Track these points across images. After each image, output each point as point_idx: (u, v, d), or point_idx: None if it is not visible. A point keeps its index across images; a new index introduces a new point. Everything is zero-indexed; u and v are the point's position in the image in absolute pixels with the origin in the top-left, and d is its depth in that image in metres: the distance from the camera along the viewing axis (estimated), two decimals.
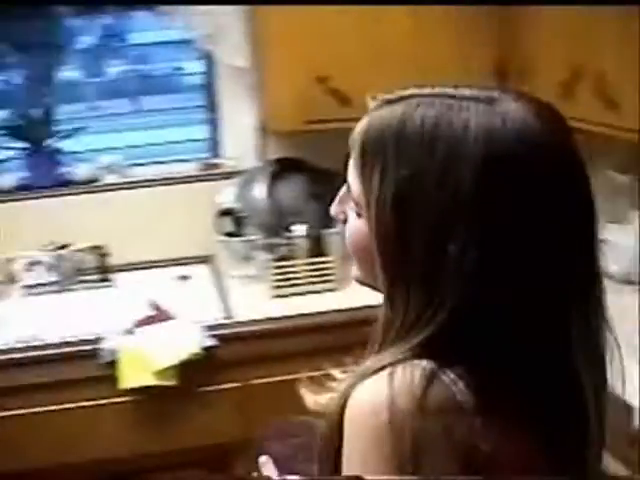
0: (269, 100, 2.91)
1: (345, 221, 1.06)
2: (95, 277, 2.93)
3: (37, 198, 2.99)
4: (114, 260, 2.95)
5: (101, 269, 2.92)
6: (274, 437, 1.88)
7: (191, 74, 3.34)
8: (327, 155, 2.60)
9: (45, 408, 2.47)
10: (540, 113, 0.95)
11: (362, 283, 1.08)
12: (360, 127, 1.00)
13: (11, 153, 3.09)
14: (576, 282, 0.95)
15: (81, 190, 3.03)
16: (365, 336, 1.01)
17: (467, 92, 0.96)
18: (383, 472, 0.90)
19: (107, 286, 2.92)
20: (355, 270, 1.08)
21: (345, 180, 1.04)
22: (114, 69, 3.38)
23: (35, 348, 2.49)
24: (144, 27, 3.32)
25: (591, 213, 0.97)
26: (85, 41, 3.31)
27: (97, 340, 2.48)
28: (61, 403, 2.48)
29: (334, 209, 1.09)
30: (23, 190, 3.04)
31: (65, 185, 3.05)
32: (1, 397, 2.42)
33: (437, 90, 0.97)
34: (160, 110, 3.33)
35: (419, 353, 0.92)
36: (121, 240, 2.94)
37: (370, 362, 0.97)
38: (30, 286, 2.91)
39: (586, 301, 0.97)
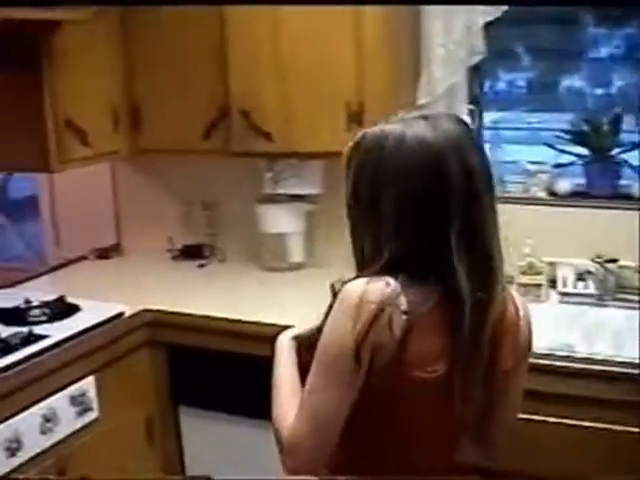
0: None
1: None
2: (635, 297, 2.81)
3: (591, 207, 2.94)
4: None
5: None
6: None
7: None
8: None
9: (562, 421, 2.44)
10: (438, 124, 1.50)
11: None
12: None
13: (573, 158, 3.08)
14: (452, 221, 1.46)
15: (636, 206, 2.90)
16: None
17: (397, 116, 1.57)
18: (339, 329, 1.47)
19: None
20: None
21: None
22: (620, 82, 3.27)
23: (566, 359, 2.46)
24: None
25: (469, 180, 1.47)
26: (601, 51, 3.25)
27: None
28: (581, 419, 2.42)
29: None
30: (578, 197, 3.02)
31: (622, 198, 2.97)
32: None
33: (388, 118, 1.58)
34: None
35: (383, 272, 1.49)
36: None
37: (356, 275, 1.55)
38: (567, 294, 2.90)
39: (463, 234, 1.46)
